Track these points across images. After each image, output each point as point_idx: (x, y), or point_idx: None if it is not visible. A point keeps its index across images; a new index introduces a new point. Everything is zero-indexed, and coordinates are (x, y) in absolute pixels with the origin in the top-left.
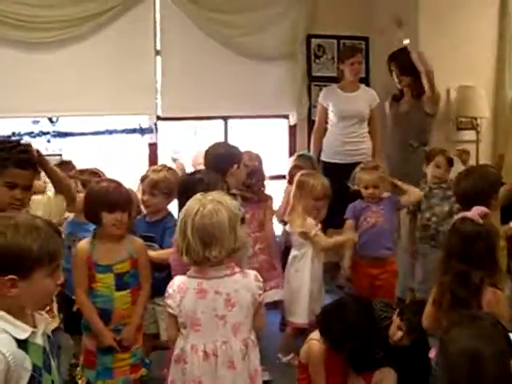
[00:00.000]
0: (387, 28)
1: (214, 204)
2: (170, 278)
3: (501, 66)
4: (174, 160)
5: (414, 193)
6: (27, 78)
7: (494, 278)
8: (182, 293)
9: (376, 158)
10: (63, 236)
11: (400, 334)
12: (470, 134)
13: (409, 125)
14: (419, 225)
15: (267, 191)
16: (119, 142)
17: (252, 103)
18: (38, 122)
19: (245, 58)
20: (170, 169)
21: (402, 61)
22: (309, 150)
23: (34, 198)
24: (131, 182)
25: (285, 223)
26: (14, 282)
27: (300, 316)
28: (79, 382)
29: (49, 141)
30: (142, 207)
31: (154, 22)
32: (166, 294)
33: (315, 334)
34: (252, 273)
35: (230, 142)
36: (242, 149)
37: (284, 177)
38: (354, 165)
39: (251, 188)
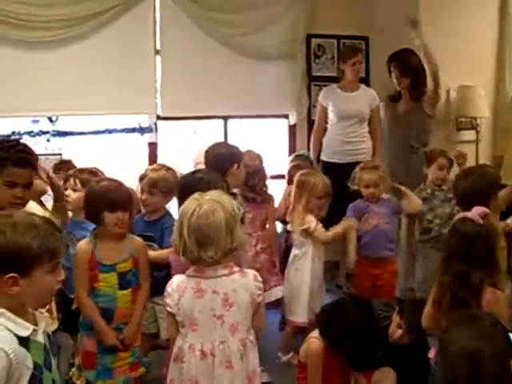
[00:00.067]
0: (387, 28)
1: (210, 204)
2: (169, 277)
3: (501, 65)
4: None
5: (414, 201)
6: (27, 78)
7: (494, 278)
8: (180, 292)
9: (376, 158)
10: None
11: (400, 332)
12: (469, 134)
13: (408, 126)
14: (421, 227)
15: (268, 191)
16: (119, 142)
17: (252, 103)
18: (37, 121)
19: (245, 57)
20: (168, 168)
21: (403, 62)
22: (308, 150)
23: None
24: (131, 181)
25: (285, 223)
26: (15, 280)
27: (300, 315)
28: (77, 382)
29: (48, 140)
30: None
31: (154, 22)
32: (165, 293)
33: (315, 333)
34: (251, 272)
35: (230, 141)
36: (242, 148)
37: (284, 176)
38: (353, 164)
39: (254, 188)
